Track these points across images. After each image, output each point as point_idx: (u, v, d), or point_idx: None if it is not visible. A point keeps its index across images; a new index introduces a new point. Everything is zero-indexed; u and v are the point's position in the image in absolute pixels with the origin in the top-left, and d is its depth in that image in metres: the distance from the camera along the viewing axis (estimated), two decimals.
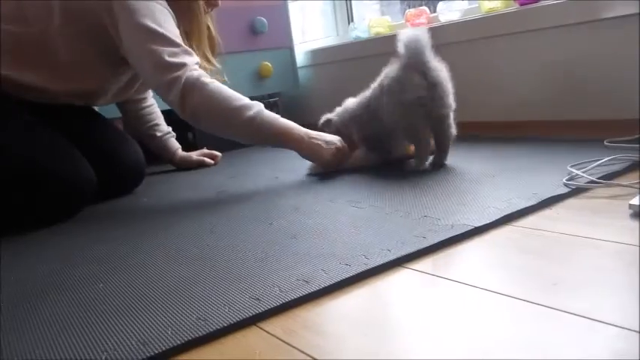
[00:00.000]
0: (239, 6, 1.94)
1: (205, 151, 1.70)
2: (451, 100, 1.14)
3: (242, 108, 1.16)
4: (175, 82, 1.15)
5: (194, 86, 1.15)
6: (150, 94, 1.58)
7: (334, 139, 1.25)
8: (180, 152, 1.64)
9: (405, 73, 1.13)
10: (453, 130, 1.17)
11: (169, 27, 1.20)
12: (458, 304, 0.57)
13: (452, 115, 1.16)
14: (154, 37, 1.16)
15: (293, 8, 2.16)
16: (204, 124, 1.21)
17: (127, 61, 1.24)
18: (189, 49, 1.21)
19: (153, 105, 1.59)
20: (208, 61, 1.36)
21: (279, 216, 0.96)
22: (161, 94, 1.20)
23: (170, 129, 1.63)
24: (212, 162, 1.66)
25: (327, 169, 1.26)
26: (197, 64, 1.21)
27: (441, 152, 1.19)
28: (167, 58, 1.15)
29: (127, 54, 1.21)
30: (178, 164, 1.64)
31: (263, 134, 1.19)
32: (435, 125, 1.16)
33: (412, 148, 1.24)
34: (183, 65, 1.16)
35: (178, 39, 1.20)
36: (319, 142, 1.23)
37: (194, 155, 1.65)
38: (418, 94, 1.10)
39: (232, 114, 1.16)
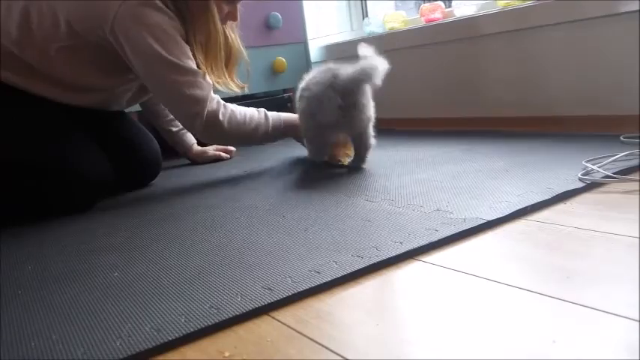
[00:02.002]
0: (254, 1, 1.95)
1: (220, 145, 1.71)
2: (369, 114, 1.17)
3: (256, 129, 1.29)
4: (197, 117, 1.19)
5: (215, 124, 1.22)
6: None
7: None
8: (195, 147, 1.65)
9: (326, 92, 1.13)
10: (372, 141, 1.21)
11: (179, 50, 1.16)
12: (469, 296, 0.57)
13: (370, 127, 1.20)
14: (168, 66, 1.15)
15: (307, 3, 2.17)
16: (224, 144, 1.41)
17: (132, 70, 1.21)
18: (201, 72, 1.20)
19: None
20: (218, 73, 1.30)
21: (292, 208, 0.97)
22: (183, 124, 1.26)
23: None
24: (227, 156, 1.67)
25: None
26: (212, 87, 1.22)
27: (359, 158, 1.23)
28: (186, 91, 1.17)
29: (141, 78, 1.21)
30: (194, 158, 1.65)
31: (275, 137, 1.37)
32: (354, 138, 1.22)
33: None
34: (203, 100, 1.19)
35: (190, 61, 1.18)
36: None
37: (209, 149, 1.66)
38: (334, 117, 1.13)
39: (249, 139, 1.32)
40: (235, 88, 1.35)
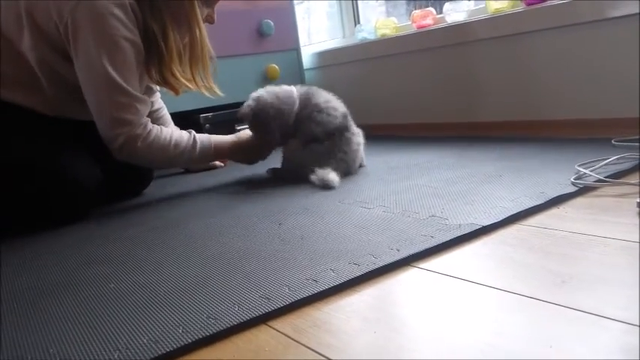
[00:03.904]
0: (246, 8, 1.95)
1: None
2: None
3: (179, 155, 1.26)
4: (117, 138, 1.17)
5: (132, 148, 1.18)
6: (157, 96, 1.58)
7: (247, 134, 1.39)
8: None
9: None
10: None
11: (125, 66, 1.15)
12: (466, 302, 0.57)
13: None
14: (108, 83, 1.13)
15: (299, 10, 2.17)
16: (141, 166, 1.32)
17: None
18: (140, 97, 1.18)
19: (160, 109, 1.59)
20: (200, 76, 1.30)
21: (289, 216, 0.97)
22: (102, 138, 1.19)
23: None
24: (221, 165, 1.67)
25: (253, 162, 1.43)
26: (148, 110, 1.21)
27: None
28: (114, 113, 1.15)
29: (78, 74, 1.17)
30: (187, 167, 1.65)
31: (202, 162, 1.43)
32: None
33: None
34: (128, 124, 1.16)
35: (133, 81, 1.16)
36: (243, 143, 1.38)
37: None
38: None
39: (169, 163, 1.34)
40: (217, 90, 1.34)
